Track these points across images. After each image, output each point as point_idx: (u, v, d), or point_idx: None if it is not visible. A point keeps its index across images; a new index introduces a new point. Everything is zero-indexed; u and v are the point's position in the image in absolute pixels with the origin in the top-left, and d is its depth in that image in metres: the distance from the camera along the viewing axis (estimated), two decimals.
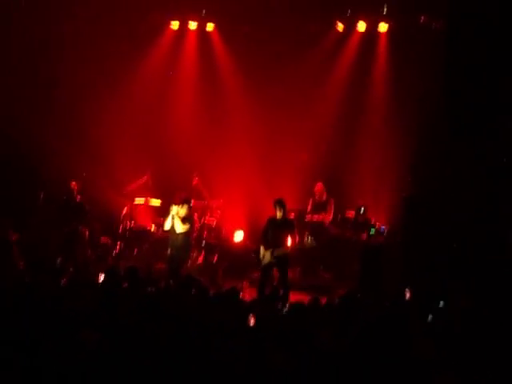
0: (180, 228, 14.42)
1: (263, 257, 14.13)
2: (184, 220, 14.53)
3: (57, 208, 16.71)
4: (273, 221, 14.28)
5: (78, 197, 16.54)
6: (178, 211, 14.42)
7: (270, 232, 14.20)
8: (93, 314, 7.92)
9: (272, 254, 13.93)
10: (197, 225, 17.14)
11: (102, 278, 11.24)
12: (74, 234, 16.38)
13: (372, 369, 6.58)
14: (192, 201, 15.83)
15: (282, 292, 12.73)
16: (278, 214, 14.17)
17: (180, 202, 14.58)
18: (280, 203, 14.21)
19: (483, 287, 12.89)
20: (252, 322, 8.09)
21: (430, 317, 9.89)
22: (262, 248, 14.18)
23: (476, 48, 14.09)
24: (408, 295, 10.08)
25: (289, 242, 14.14)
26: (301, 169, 18.22)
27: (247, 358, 6.54)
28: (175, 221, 14.43)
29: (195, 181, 17.65)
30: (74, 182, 16.55)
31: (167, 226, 14.65)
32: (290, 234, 14.19)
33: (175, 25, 19.25)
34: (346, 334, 7.60)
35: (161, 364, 6.44)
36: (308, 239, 15.59)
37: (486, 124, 14.01)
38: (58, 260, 15.36)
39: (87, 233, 16.74)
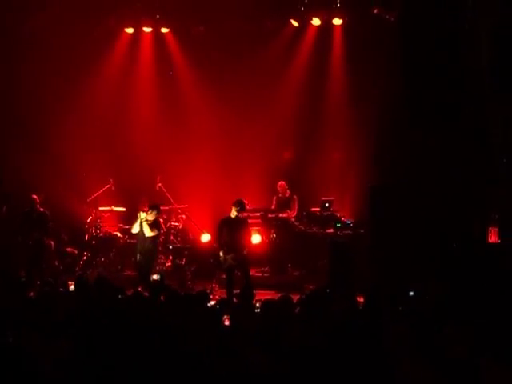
0: (148, 233, 14.43)
1: (224, 260, 14.21)
2: (152, 225, 14.54)
3: (19, 220, 16.55)
4: (226, 221, 14.37)
5: (41, 209, 16.39)
6: (145, 217, 14.43)
7: (226, 234, 14.28)
8: (64, 324, 7.86)
9: (234, 257, 14.03)
10: (163, 229, 17.10)
11: (71, 287, 11.17)
12: (39, 245, 16.23)
13: (345, 362, 6.60)
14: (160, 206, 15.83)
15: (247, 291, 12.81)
16: (232, 214, 14.24)
17: (148, 209, 14.58)
18: (237, 203, 14.32)
19: (450, 275, 13.01)
20: (227, 322, 8.12)
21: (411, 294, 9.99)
22: (221, 253, 14.27)
23: (430, 36, 14.23)
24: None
25: (253, 239, 14.25)
26: (263, 168, 18.21)
27: (224, 359, 6.53)
28: (144, 226, 14.43)
29: (158, 185, 17.58)
30: (34, 195, 16.41)
31: (135, 229, 14.69)
32: (246, 232, 14.30)
33: (130, 30, 19.14)
34: (317, 330, 7.61)
35: (135, 371, 6.41)
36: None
37: (444, 112, 14.13)
38: (22, 273, 15.25)
39: (53, 244, 16.61)
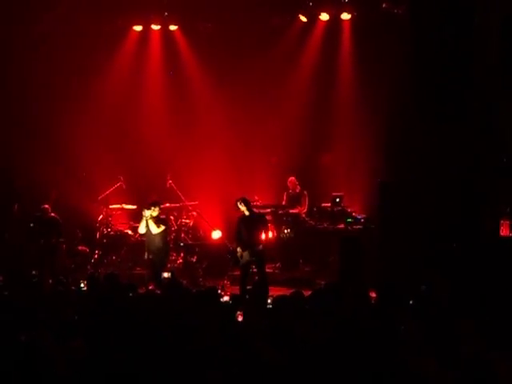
0: (155, 230, 14.44)
1: (241, 256, 14.20)
2: (158, 221, 14.55)
3: (31, 223, 16.65)
4: (243, 219, 14.36)
5: (51, 214, 16.49)
6: (150, 214, 14.43)
7: (244, 231, 14.27)
8: (77, 323, 7.89)
9: (251, 252, 14.02)
10: (173, 227, 17.12)
11: (83, 286, 11.22)
12: (50, 245, 16.31)
13: (357, 358, 6.59)
14: (162, 202, 15.85)
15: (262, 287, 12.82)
16: (243, 210, 14.25)
17: (150, 206, 14.56)
18: (241, 201, 14.32)
19: (462, 269, 12.97)
20: (240, 318, 8.13)
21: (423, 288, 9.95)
22: (239, 249, 14.25)
23: (439, 31, 14.18)
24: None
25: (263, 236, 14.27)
26: (273, 164, 18.21)
27: (237, 354, 6.54)
28: (149, 223, 14.44)
29: (169, 183, 17.58)
30: (46, 205, 16.53)
31: (142, 229, 14.71)
32: (264, 229, 14.31)
33: (138, 28, 19.15)
34: (329, 325, 7.61)
35: (148, 368, 6.42)
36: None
37: (454, 107, 14.08)
38: (34, 272, 15.32)
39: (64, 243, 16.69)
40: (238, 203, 14.34)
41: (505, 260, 12.71)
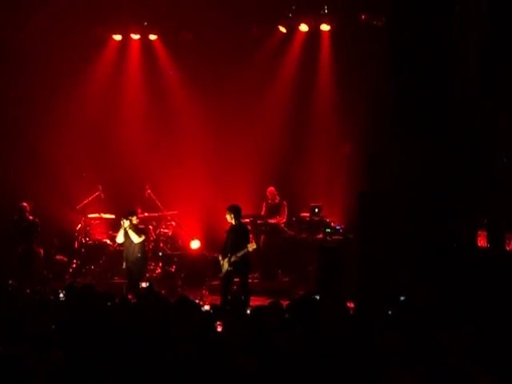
0: (136, 239, 14.43)
1: (222, 266, 14.19)
2: (138, 231, 14.54)
3: (8, 229, 16.52)
4: (230, 228, 14.35)
5: (30, 217, 16.37)
6: (129, 224, 14.42)
7: (228, 240, 14.26)
8: (54, 333, 7.85)
9: (228, 261, 13.98)
10: (152, 236, 17.10)
11: (61, 295, 11.16)
12: (28, 253, 16.20)
13: (336, 368, 6.60)
14: (140, 212, 15.85)
15: (242, 297, 12.80)
16: (229, 219, 14.21)
17: (128, 215, 14.52)
18: (229, 209, 14.28)
19: (440, 279, 13.03)
20: (219, 328, 8.12)
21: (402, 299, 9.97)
22: (220, 257, 14.24)
23: (418, 43, 14.27)
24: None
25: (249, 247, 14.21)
26: (252, 175, 18.20)
27: (215, 364, 6.53)
28: (130, 233, 14.42)
29: (148, 193, 17.57)
30: (24, 203, 16.39)
31: (120, 239, 14.69)
32: (243, 238, 14.24)
33: (118, 37, 19.14)
34: (307, 335, 7.62)
35: (127, 378, 6.40)
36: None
37: (433, 118, 14.17)
38: (12, 282, 15.22)
39: (42, 251, 16.59)
40: (227, 211, 14.30)
41: (482, 270, 12.77)
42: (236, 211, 14.30)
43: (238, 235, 14.18)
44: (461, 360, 6.70)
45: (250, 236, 14.82)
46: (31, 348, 6.89)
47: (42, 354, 6.79)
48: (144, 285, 14.76)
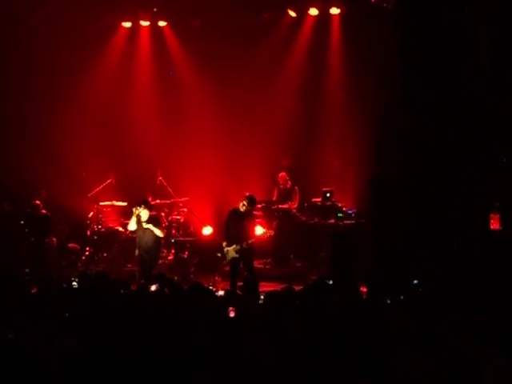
0: (160, 233, 14.36)
1: (227, 252, 14.17)
2: (157, 224, 14.44)
3: (22, 219, 16.62)
4: (234, 212, 14.31)
5: (43, 211, 16.46)
6: (139, 212, 14.31)
7: (232, 225, 14.23)
8: (69, 320, 7.88)
9: (240, 247, 13.96)
10: (164, 223, 17.11)
11: (74, 283, 11.21)
12: (41, 243, 16.30)
13: (348, 352, 6.62)
14: (150, 200, 15.81)
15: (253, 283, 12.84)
16: (240, 207, 14.19)
17: (140, 204, 14.40)
18: (249, 198, 14.24)
19: (452, 263, 13.02)
20: (232, 313, 8.14)
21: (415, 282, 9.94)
22: (224, 244, 14.21)
23: (428, 25, 14.20)
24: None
25: (256, 231, 14.19)
26: (264, 160, 18.18)
27: (228, 349, 6.55)
28: (154, 230, 14.30)
29: (159, 179, 17.58)
30: (37, 201, 16.51)
31: (131, 226, 14.57)
32: (250, 224, 14.22)
33: (127, 24, 19.12)
34: (319, 320, 7.63)
35: (140, 365, 6.42)
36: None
37: (444, 101, 14.11)
38: (27, 270, 15.29)
39: (55, 240, 16.67)
40: (245, 198, 14.25)
41: (495, 253, 12.75)
42: (252, 202, 14.30)
43: (243, 221, 14.16)
44: (470, 345, 6.69)
45: (263, 222, 14.82)
46: (43, 335, 6.92)
47: (55, 341, 6.82)
48: (154, 288, 14.73)
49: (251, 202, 14.29)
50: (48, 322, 7.67)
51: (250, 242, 13.96)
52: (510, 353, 6.51)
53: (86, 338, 6.98)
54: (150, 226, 14.25)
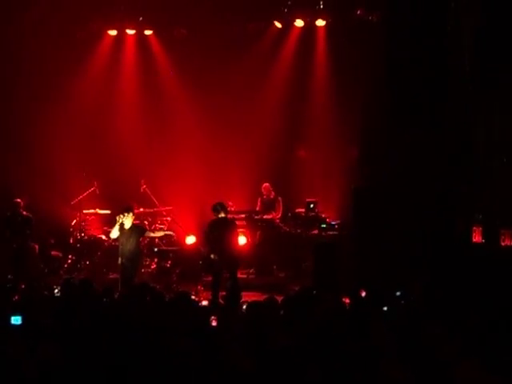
0: (160, 234, 14.66)
1: (214, 262, 14.17)
2: (140, 230, 14.59)
3: (2, 224, 16.52)
4: (215, 223, 14.31)
5: (24, 212, 16.39)
6: (123, 220, 14.30)
7: (217, 235, 14.23)
8: (50, 328, 7.85)
9: (222, 260, 13.98)
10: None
11: (56, 291, 11.15)
12: (23, 249, 16.20)
13: (331, 363, 6.62)
14: (135, 207, 15.78)
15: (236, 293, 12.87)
16: (216, 216, 14.24)
17: (122, 211, 14.41)
18: (219, 205, 14.27)
19: (435, 274, 13.06)
20: (214, 323, 8.13)
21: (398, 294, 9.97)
22: (212, 255, 14.21)
23: (413, 37, 14.30)
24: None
25: (240, 241, 14.22)
26: (247, 170, 18.20)
27: (209, 360, 6.54)
28: (155, 234, 14.57)
29: (143, 188, 17.54)
30: (18, 199, 16.40)
31: (114, 234, 14.54)
32: (233, 233, 14.26)
33: (113, 33, 19.12)
34: (302, 331, 7.63)
35: (124, 372, 6.41)
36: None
37: (428, 112, 14.19)
38: (8, 277, 15.20)
39: (37, 247, 16.59)
40: (217, 207, 14.28)
41: (477, 266, 12.80)
42: (224, 207, 14.34)
43: (226, 230, 14.18)
44: (453, 356, 6.70)
45: (246, 232, 14.84)
46: (24, 343, 6.89)
47: (38, 348, 6.79)
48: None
49: (223, 207, 14.34)
50: (29, 330, 7.63)
51: (233, 252, 14.07)
52: (493, 365, 6.53)
53: (69, 346, 6.96)
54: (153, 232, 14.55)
